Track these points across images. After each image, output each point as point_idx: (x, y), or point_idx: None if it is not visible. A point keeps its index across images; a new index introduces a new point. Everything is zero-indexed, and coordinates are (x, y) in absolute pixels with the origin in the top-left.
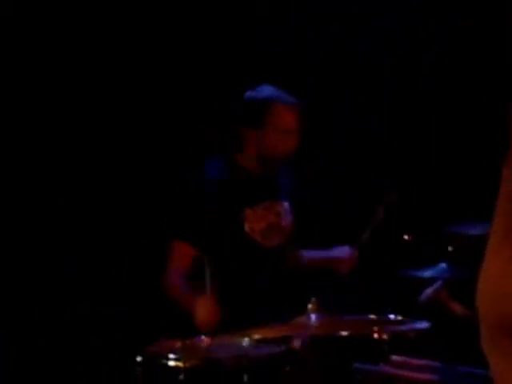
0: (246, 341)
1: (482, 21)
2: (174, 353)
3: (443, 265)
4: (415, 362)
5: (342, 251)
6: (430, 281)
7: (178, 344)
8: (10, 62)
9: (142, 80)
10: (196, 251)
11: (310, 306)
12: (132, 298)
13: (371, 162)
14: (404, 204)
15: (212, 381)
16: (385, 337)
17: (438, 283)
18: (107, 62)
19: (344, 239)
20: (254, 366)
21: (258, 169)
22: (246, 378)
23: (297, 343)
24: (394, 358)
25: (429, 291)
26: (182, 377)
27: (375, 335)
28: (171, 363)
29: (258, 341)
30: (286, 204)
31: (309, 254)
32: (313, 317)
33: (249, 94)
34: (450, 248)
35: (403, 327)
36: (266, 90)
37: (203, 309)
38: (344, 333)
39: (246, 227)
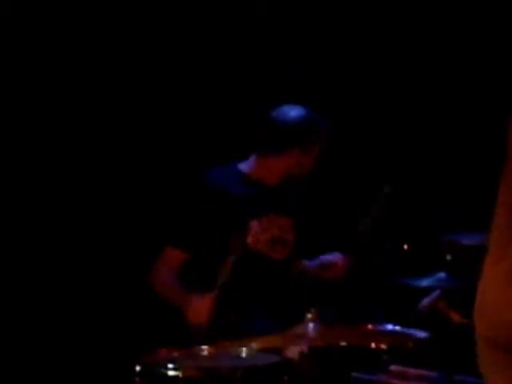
0: (244, 350)
1: (484, 24)
2: (172, 362)
3: (441, 274)
4: (414, 371)
5: (333, 256)
6: (429, 290)
7: (177, 353)
8: (10, 62)
9: (142, 80)
10: (188, 256)
11: (308, 315)
12: (131, 307)
13: (371, 172)
14: (402, 198)
15: None
16: (383, 346)
17: (437, 292)
18: (107, 62)
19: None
20: (252, 376)
21: (274, 182)
22: None
23: (295, 353)
24: (393, 367)
25: (427, 300)
26: None
27: (373, 345)
28: (169, 373)
29: (256, 350)
30: (290, 220)
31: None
32: (311, 326)
33: (298, 112)
34: (448, 257)
35: (402, 337)
36: (311, 113)
37: (199, 308)
38: (342, 342)
39: (249, 238)
